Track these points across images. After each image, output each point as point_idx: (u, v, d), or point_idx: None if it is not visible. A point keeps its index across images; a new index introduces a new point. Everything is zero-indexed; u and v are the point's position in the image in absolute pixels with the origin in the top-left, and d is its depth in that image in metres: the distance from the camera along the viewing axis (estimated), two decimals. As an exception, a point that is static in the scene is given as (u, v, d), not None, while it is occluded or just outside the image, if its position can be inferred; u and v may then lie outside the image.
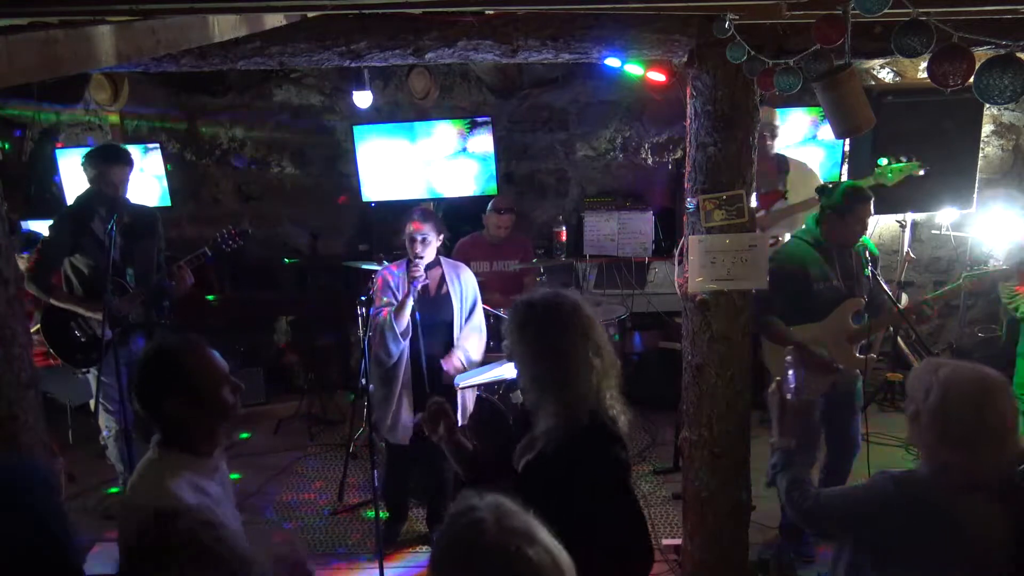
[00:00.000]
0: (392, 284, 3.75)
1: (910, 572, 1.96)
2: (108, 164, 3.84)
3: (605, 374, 2.02)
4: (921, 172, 4.03)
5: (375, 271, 4.03)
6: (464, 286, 3.85)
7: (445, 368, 3.75)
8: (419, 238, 3.68)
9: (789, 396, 2.36)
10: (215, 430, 2.01)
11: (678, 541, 3.72)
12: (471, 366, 3.80)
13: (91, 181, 3.88)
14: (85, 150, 5.50)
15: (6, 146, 5.81)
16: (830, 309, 3.64)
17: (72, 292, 3.93)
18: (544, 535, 1.22)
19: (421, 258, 3.68)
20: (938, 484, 1.93)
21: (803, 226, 3.85)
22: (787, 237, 4.20)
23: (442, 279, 3.82)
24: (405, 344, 3.70)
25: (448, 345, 3.78)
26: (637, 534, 2.04)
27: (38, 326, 3.95)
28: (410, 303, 3.64)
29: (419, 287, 3.65)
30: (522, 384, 2.07)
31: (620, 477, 2.04)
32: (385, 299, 3.73)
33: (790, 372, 2.39)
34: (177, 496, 1.82)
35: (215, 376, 1.97)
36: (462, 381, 3.73)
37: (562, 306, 2.02)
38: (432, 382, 3.75)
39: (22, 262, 4.64)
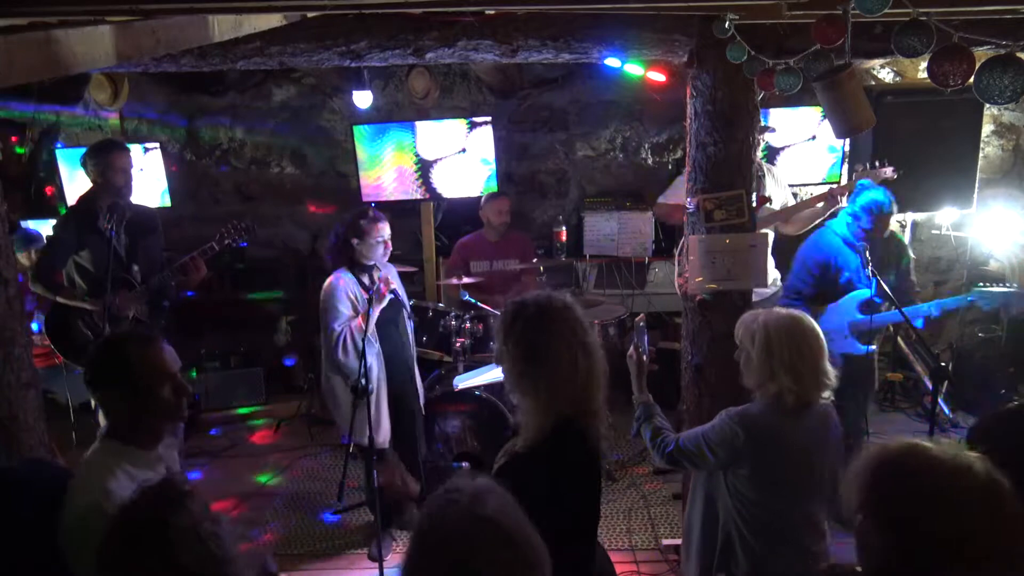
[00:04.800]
0: (349, 294, 3.64)
1: (767, 489, 2.34)
2: (110, 154, 3.86)
3: (590, 378, 2.00)
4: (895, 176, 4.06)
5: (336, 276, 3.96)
6: (400, 284, 3.91)
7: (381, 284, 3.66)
8: (389, 238, 3.67)
9: (645, 357, 2.66)
10: (156, 427, 2.02)
11: (678, 541, 3.72)
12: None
13: (94, 177, 3.89)
14: (83, 150, 5.56)
15: (19, 150, 5.80)
16: (843, 295, 3.84)
17: (76, 290, 3.93)
18: (514, 525, 1.26)
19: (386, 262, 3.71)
20: (772, 413, 2.33)
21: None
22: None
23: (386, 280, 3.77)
24: (377, 348, 3.69)
25: (404, 343, 3.84)
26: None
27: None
28: (375, 314, 3.60)
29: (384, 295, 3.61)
30: (507, 385, 2.06)
31: (585, 483, 2.03)
32: (343, 310, 3.60)
33: (644, 336, 2.69)
34: (111, 493, 1.83)
35: (158, 373, 1.98)
36: (462, 382, 3.72)
37: (551, 307, 2.01)
38: (400, 381, 3.82)
39: (24, 259, 4.64)
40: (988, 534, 1.23)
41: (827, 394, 2.39)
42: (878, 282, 3.56)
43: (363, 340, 3.38)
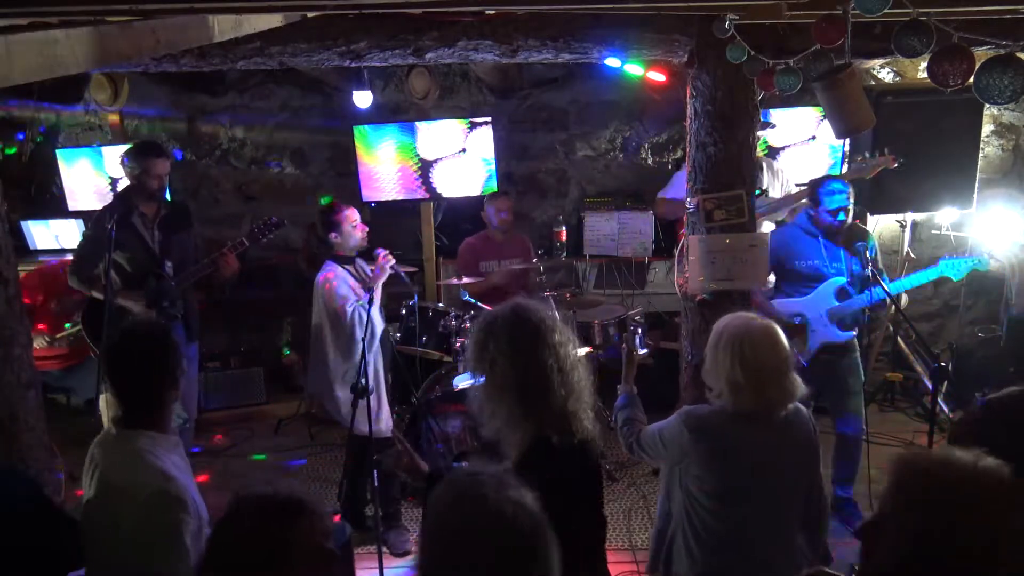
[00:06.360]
0: (349, 282, 3.73)
1: (716, 494, 2.28)
2: (148, 159, 3.92)
3: (572, 385, 1.98)
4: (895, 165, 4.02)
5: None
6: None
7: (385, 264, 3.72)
8: (360, 220, 3.75)
9: (638, 352, 2.76)
10: (170, 408, 2.12)
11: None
12: None
13: (132, 177, 3.96)
14: (87, 150, 5.56)
15: (9, 151, 5.82)
16: (814, 287, 3.83)
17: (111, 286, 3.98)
18: (532, 503, 1.33)
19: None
20: (721, 416, 2.27)
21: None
22: (768, 229, 4.34)
23: None
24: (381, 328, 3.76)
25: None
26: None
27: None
28: (379, 290, 3.67)
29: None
30: (483, 395, 2.03)
31: (574, 497, 1.98)
32: (349, 294, 3.68)
33: (637, 338, 2.86)
34: (172, 479, 1.92)
35: (180, 359, 2.10)
36: (462, 382, 3.72)
37: (522, 322, 1.98)
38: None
39: None
40: (1010, 546, 1.22)
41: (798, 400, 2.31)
42: (875, 275, 3.60)
43: (364, 341, 3.38)
